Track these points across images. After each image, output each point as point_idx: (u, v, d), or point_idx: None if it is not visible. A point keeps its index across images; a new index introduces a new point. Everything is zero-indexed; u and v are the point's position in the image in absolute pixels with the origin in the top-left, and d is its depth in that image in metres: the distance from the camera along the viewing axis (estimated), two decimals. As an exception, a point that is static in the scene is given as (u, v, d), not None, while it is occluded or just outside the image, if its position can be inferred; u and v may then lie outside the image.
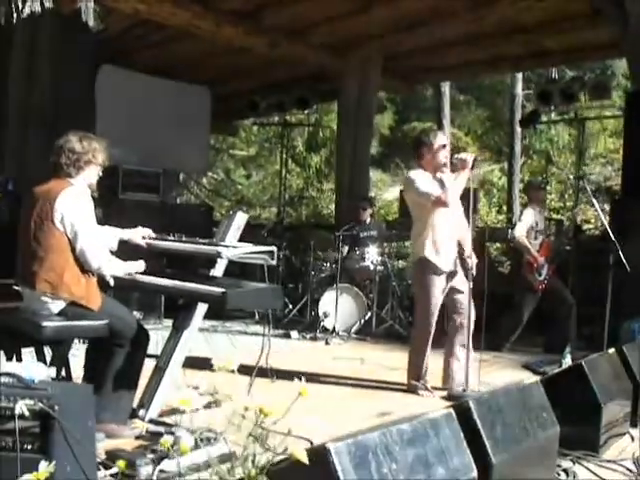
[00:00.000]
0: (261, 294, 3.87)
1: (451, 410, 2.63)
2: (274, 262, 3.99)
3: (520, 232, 6.73)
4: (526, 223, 6.77)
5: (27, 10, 8.67)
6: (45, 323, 3.39)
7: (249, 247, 3.99)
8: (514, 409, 2.99)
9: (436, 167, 5.08)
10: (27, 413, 2.27)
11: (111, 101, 9.23)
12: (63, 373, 3.74)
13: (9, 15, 8.86)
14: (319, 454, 2.12)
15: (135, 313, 7.15)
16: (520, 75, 15.45)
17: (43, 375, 2.56)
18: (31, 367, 2.58)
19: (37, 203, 3.55)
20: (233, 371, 2.21)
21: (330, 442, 2.14)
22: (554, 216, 12.52)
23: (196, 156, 11.36)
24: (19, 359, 3.70)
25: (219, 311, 3.90)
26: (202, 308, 4.00)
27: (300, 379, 2.27)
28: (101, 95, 9.22)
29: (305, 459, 1.95)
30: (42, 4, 8.66)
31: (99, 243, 3.64)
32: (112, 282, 3.71)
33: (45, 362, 3.61)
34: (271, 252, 3.98)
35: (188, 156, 11.02)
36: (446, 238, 4.98)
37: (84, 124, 8.07)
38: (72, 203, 3.51)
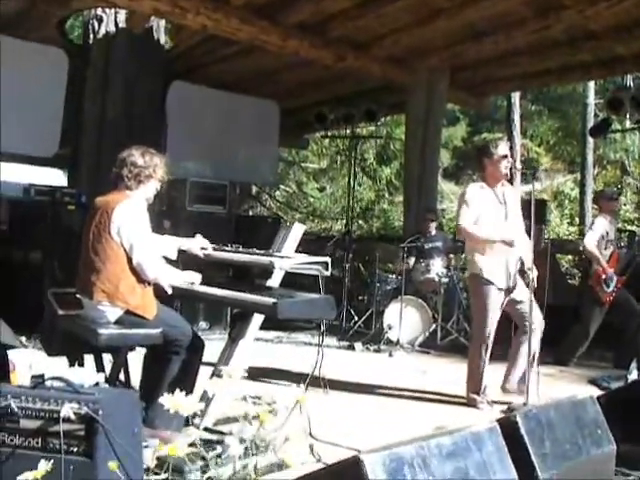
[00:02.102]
0: (313, 304, 3.85)
1: (495, 424, 2.58)
2: (328, 273, 3.99)
3: (591, 241, 6.49)
4: (597, 232, 6.51)
5: (102, 30, 9.04)
6: (101, 330, 3.49)
7: (303, 257, 4.01)
8: (565, 424, 2.89)
9: (497, 177, 5.07)
10: (73, 416, 2.34)
11: (181, 116, 9.47)
12: (122, 378, 3.85)
13: (86, 36, 9.26)
14: (353, 465, 2.10)
15: (202, 324, 7.33)
16: (592, 84, 15.01)
17: (92, 380, 2.63)
18: (80, 372, 2.66)
19: (96, 214, 3.66)
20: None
21: (364, 453, 2.12)
22: (628, 227, 12.11)
23: (265, 169, 11.52)
24: (81, 364, 3.83)
25: (272, 321, 3.92)
26: (258, 318, 4.03)
27: (298, 386, 2.27)
28: (172, 110, 9.47)
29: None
30: (116, 24, 9.02)
31: (155, 254, 3.73)
32: (170, 291, 3.79)
33: (103, 369, 3.72)
34: (325, 263, 3.99)
35: (257, 169, 11.21)
36: (500, 254, 4.93)
37: (155, 139, 8.33)
38: (129, 215, 3.61)
